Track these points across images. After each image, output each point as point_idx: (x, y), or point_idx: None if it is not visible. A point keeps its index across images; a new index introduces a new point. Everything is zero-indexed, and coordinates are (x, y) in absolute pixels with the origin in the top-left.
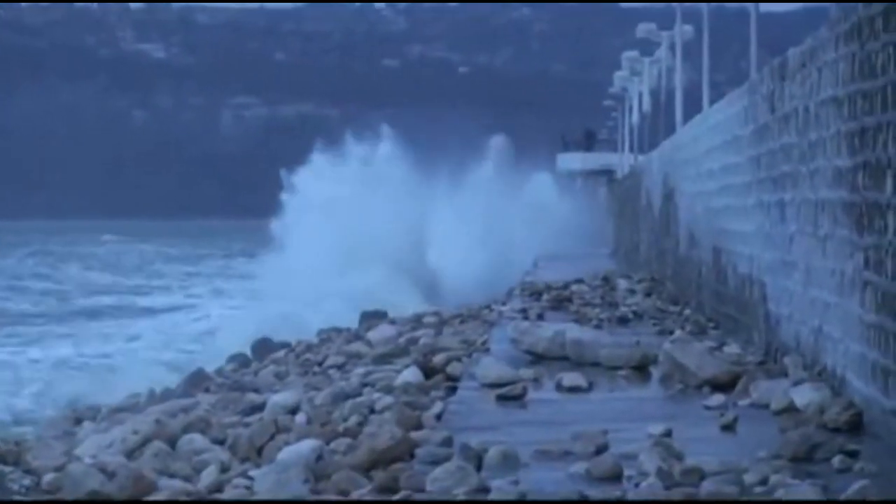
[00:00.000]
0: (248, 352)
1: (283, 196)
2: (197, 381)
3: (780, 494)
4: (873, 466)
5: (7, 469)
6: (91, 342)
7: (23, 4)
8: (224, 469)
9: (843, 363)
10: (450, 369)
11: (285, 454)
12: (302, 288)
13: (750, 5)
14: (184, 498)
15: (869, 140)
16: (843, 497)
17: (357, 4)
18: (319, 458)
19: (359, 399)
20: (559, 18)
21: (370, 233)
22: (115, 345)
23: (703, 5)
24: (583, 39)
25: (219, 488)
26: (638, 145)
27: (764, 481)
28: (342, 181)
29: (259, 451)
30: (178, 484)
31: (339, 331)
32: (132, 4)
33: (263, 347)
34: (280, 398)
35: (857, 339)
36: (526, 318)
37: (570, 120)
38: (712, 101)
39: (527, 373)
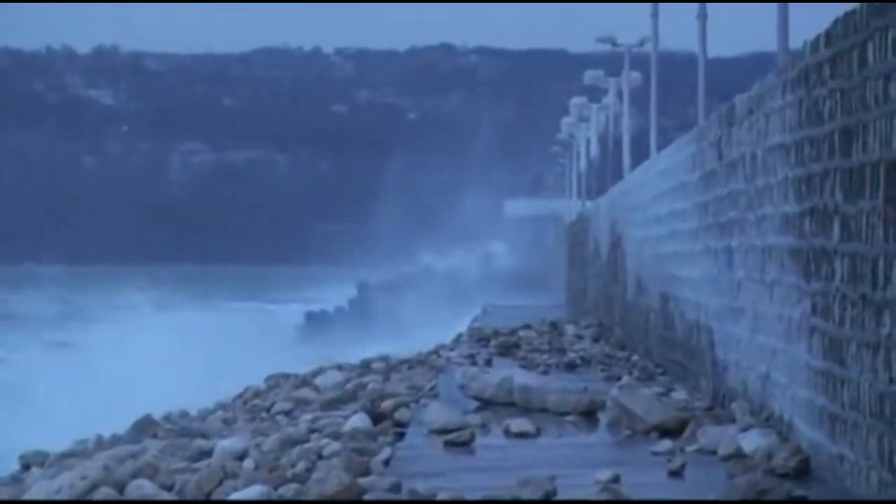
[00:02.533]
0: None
1: None
2: (145, 426)
3: None
4: None
5: None
6: None
7: None
8: None
9: (791, 409)
10: (398, 415)
11: (233, 500)
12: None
13: (698, 51)
14: None
15: (816, 186)
16: None
17: (306, 50)
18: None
19: (307, 445)
20: (508, 64)
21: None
22: None
23: (651, 51)
24: (531, 85)
25: None
26: (586, 191)
27: None
28: None
29: (207, 497)
30: None
31: (287, 376)
32: (80, 50)
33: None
34: (228, 444)
35: (805, 385)
36: (474, 363)
37: (518, 166)
38: (660, 147)
39: (474, 419)
